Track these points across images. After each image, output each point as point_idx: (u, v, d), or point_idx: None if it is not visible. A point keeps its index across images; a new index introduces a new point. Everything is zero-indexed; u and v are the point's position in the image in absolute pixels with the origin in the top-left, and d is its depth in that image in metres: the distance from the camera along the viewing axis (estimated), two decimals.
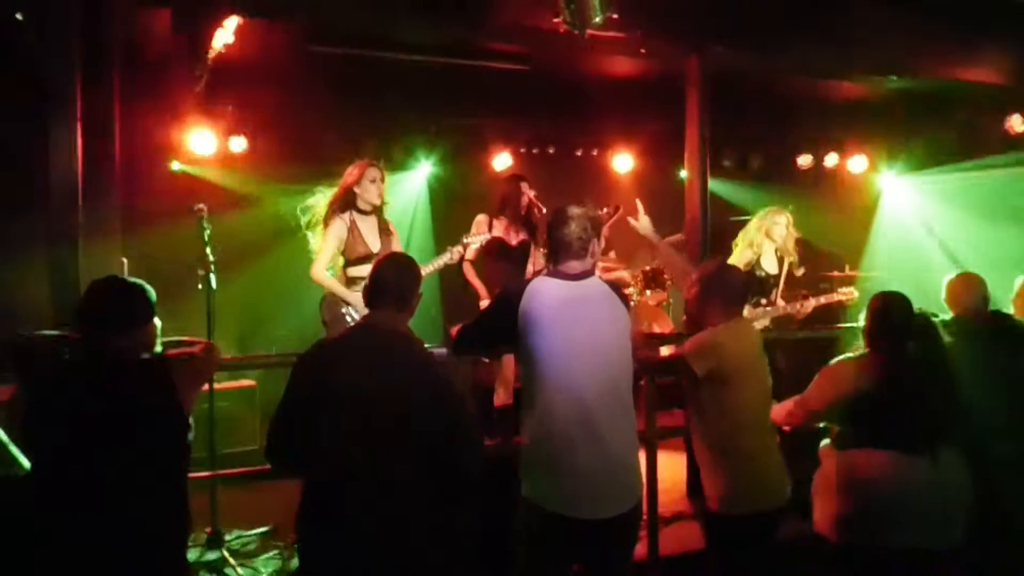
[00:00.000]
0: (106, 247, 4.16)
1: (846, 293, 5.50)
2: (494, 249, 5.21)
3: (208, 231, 4.26)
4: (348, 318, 4.58)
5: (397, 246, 4.84)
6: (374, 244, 4.70)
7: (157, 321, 2.72)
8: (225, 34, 4.83)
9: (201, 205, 4.28)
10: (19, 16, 3.99)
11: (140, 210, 5.69)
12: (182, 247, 5.23)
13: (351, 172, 4.74)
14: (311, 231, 4.70)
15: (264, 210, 6.30)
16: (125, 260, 4.32)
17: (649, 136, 8.13)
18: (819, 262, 6.63)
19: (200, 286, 4.23)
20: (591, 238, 2.92)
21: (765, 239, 5.32)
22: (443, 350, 3.37)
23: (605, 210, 5.05)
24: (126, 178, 4.54)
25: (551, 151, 7.96)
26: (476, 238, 5.08)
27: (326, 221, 4.67)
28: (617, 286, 3.02)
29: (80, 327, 2.63)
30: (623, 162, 8.33)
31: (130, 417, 2.50)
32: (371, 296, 2.76)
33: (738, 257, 5.31)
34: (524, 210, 5.40)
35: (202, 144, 6.46)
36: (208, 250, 4.22)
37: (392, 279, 2.75)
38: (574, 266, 2.91)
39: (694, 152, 5.45)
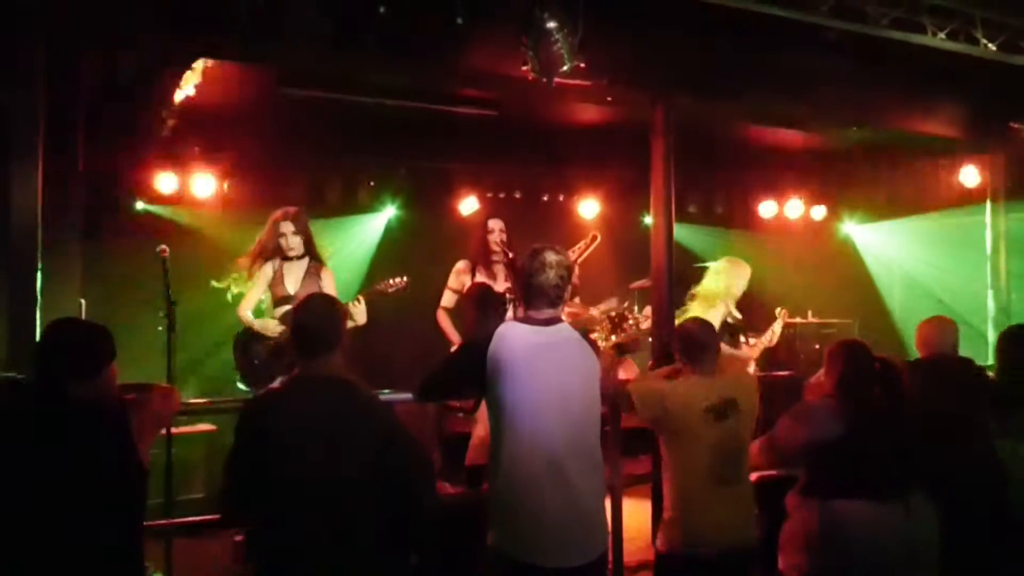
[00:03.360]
0: (65, 288, 4.08)
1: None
2: (477, 295, 5.10)
3: (169, 272, 4.24)
4: (256, 360, 4.88)
5: (330, 289, 4.97)
6: (293, 287, 4.96)
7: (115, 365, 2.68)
8: (193, 76, 4.84)
9: (163, 246, 4.24)
10: None
11: (102, 251, 5.64)
12: (143, 288, 5.18)
13: (270, 220, 5.05)
14: (240, 286, 5.06)
15: (228, 251, 6.25)
16: (83, 301, 4.24)
17: (615, 182, 8.19)
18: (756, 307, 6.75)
19: (160, 328, 4.20)
20: (566, 286, 2.93)
21: (729, 294, 5.47)
22: (406, 395, 3.34)
23: (581, 243, 5.12)
24: (89, 219, 4.49)
25: (517, 196, 8.02)
26: (390, 285, 4.96)
27: (250, 273, 5.03)
28: (585, 332, 3.02)
29: (37, 370, 2.57)
30: (589, 208, 8.38)
31: (85, 464, 2.45)
32: (298, 347, 2.74)
33: (712, 315, 5.31)
34: (499, 252, 5.33)
35: (167, 186, 6.59)
36: (169, 292, 4.18)
37: (312, 325, 2.73)
38: (545, 312, 2.91)
39: (659, 198, 5.41)
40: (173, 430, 4.34)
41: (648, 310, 6.24)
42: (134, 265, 5.55)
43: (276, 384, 3.82)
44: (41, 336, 2.66)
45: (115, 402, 2.60)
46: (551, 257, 2.91)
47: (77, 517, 2.41)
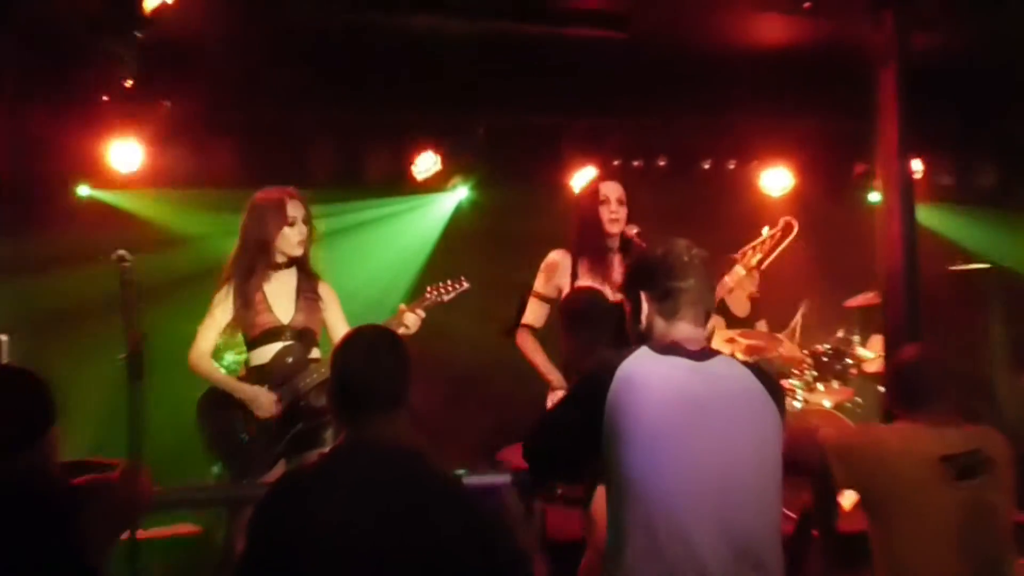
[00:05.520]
0: None
1: None
2: (577, 307, 5.11)
3: (134, 290, 4.27)
4: (243, 434, 4.80)
5: (338, 315, 5.09)
6: (286, 312, 4.95)
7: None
8: None
9: (122, 252, 4.27)
10: None
11: (30, 258, 5.79)
12: (93, 316, 5.25)
13: (256, 207, 5.00)
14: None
15: (208, 255, 6.35)
16: (4, 337, 4.34)
17: (816, 140, 8.14)
18: None
19: (120, 376, 4.11)
20: (712, 294, 3.00)
21: None
22: (491, 478, 3.34)
23: (767, 232, 4.97)
24: (9, 210, 4.60)
25: (661, 163, 8.02)
26: (449, 292, 5.06)
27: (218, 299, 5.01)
28: (765, 370, 3.04)
29: None
30: (775, 180, 8.33)
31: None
32: (342, 404, 2.85)
33: None
34: (616, 239, 5.21)
35: (126, 159, 6.62)
36: (134, 321, 4.22)
37: (366, 370, 2.82)
38: (692, 336, 2.94)
39: (891, 164, 5.39)
40: (141, 532, 4.20)
41: (876, 342, 6.10)
42: (78, 281, 5.64)
43: (313, 458, 3.83)
44: None
45: (57, 488, 2.64)
46: (686, 249, 2.99)
47: None
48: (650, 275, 2.99)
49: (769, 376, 2.98)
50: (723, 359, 2.94)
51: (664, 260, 2.98)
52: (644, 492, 2.76)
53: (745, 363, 3.00)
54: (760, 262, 5.01)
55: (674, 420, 2.78)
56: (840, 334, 6.92)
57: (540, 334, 5.29)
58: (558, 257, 5.27)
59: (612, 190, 5.19)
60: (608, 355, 2.93)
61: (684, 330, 2.93)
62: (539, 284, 5.31)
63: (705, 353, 2.91)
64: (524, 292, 5.26)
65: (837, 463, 3.45)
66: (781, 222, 5.10)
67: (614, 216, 5.11)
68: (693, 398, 2.81)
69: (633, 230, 5.14)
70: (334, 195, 5.73)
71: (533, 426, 3.10)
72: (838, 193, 8.25)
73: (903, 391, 3.70)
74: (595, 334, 4.85)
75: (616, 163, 7.91)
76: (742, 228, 7.47)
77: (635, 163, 7.93)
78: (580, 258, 5.23)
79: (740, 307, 4.98)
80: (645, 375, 2.83)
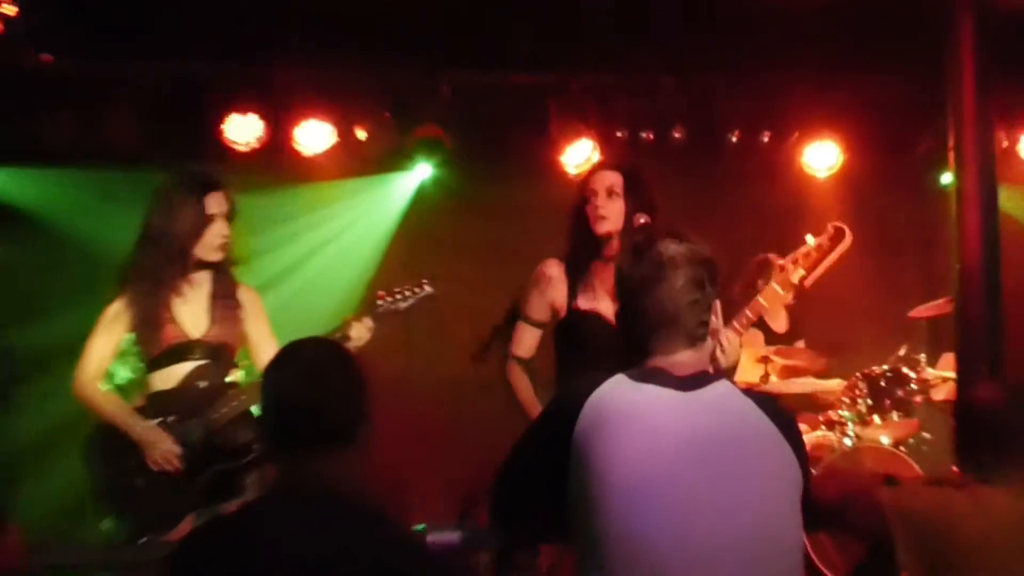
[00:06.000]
0: None
1: None
2: (572, 339, 5.17)
3: None
4: (140, 480, 4.80)
5: (261, 330, 5.15)
6: (195, 325, 4.99)
7: None
8: None
9: None
10: None
11: None
12: None
13: (165, 197, 5.01)
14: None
15: (98, 250, 6.42)
16: None
17: (870, 108, 8.02)
18: None
19: None
20: (711, 303, 2.93)
21: None
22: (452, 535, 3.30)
23: (812, 242, 4.87)
24: None
25: (676, 134, 7.89)
26: (407, 297, 5.10)
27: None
28: (776, 402, 2.99)
29: None
30: (820, 156, 8.23)
31: None
32: (276, 438, 2.84)
33: None
34: (611, 242, 5.20)
35: None
36: None
37: (308, 395, 2.80)
38: (683, 358, 2.89)
39: (967, 137, 5.34)
40: None
41: (948, 361, 6.06)
42: None
43: (231, 511, 3.82)
44: None
45: None
46: (673, 249, 2.92)
47: None
48: (621, 284, 3.02)
49: (781, 409, 2.94)
50: (720, 387, 2.89)
51: (638, 265, 2.96)
52: (619, 560, 2.71)
53: (750, 392, 2.95)
54: (803, 279, 4.88)
55: (657, 467, 2.73)
56: (902, 352, 6.89)
57: (531, 368, 5.34)
58: (552, 269, 5.30)
59: (602, 180, 5.21)
60: (577, 383, 2.91)
61: (669, 350, 2.91)
62: (528, 304, 5.33)
63: (697, 379, 2.86)
64: (510, 311, 5.23)
65: (905, 530, 3.42)
66: (830, 228, 4.94)
67: (602, 213, 5.12)
68: (682, 438, 2.76)
69: (642, 219, 5.09)
70: (258, 177, 5.56)
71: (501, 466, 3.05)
72: (899, 173, 8.18)
73: (979, 441, 3.64)
74: (592, 367, 4.79)
75: (620, 135, 7.81)
76: (779, 218, 7.50)
77: (644, 135, 7.79)
78: (577, 271, 5.29)
79: (778, 322, 4.92)
80: (619, 409, 2.80)
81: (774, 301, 4.78)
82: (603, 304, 5.16)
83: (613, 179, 5.16)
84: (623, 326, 3.03)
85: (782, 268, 4.84)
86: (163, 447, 4.73)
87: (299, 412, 2.75)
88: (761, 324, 4.89)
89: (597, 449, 2.73)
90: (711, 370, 2.96)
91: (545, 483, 2.80)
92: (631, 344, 2.95)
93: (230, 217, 5.01)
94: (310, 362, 2.85)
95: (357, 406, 2.81)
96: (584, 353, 5.04)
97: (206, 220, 4.94)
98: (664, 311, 2.87)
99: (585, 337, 5.05)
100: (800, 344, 7.04)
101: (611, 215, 5.08)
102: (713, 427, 2.79)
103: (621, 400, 2.80)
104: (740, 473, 2.77)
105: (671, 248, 2.91)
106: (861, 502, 3.46)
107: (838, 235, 4.88)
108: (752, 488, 2.77)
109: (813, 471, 3.22)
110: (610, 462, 2.71)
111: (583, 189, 5.26)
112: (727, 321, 4.40)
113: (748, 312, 4.69)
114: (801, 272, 4.87)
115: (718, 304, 2.94)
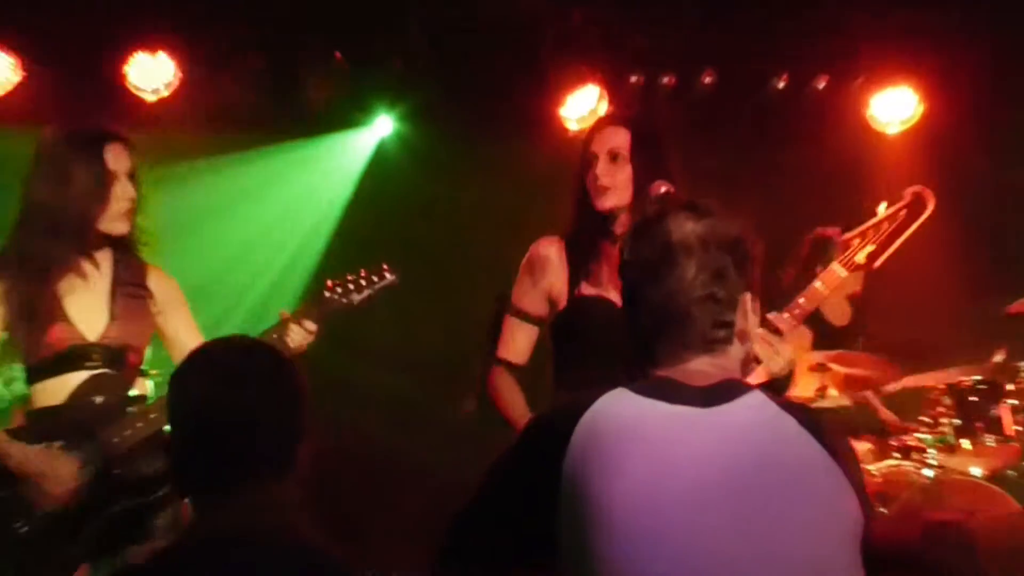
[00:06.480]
0: None
1: None
2: (571, 330, 5.23)
3: None
4: (21, 523, 4.82)
5: (180, 324, 5.22)
6: (91, 323, 5.00)
7: None
8: None
9: None
10: None
11: None
12: None
13: (49, 155, 5.04)
14: None
15: None
16: None
17: (954, 49, 8.04)
18: None
19: None
20: (736, 297, 2.91)
21: None
22: None
23: (884, 210, 4.83)
24: None
25: (707, 81, 8.10)
26: (363, 288, 5.13)
27: None
28: (821, 417, 2.93)
29: None
30: (891, 108, 8.36)
31: None
32: (192, 466, 2.95)
33: None
34: (619, 217, 5.21)
35: None
36: None
37: (229, 410, 2.89)
38: (698, 366, 2.90)
39: None
40: None
41: None
42: None
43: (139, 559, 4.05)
44: None
45: None
46: (687, 228, 2.92)
47: None
48: (621, 273, 3.05)
49: (827, 428, 2.87)
50: (751, 400, 2.86)
51: (638, 248, 2.98)
52: None
53: (789, 405, 2.89)
54: (873, 256, 4.87)
55: (669, 507, 2.75)
56: (998, 358, 6.83)
57: (524, 375, 5.31)
58: (548, 250, 5.34)
59: (604, 140, 5.24)
60: (571, 397, 2.92)
61: (678, 357, 2.94)
62: (520, 293, 5.39)
63: (720, 391, 2.85)
64: (496, 304, 5.19)
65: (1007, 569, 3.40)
66: (907, 194, 4.87)
67: (603, 183, 5.15)
68: (701, 467, 2.79)
69: (662, 188, 5.06)
70: (181, 137, 5.55)
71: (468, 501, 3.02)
72: (990, 131, 8.08)
73: None
74: (601, 370, 4.74)
75: (634, 79, 8.00)
76: (838, 185, 7.50)
77: (665, 79, 7.94)
78: (579, 253, 5.37)
79: (837, 313, 4.91)
80: (621, 431, 2.82)
81: (835, 287, 4.75)
82: (613, 294, 5.14)
83: (618, 138, 5.19)
84: (627, 326, 3.03)
85: (846, 245, 4.79)
86: (59, 474, 4.69)
87: (217, 435, 2.76)
88: (812, 320, 4.90)
89: (593, 485, 2.75)
90: (739, 377, 2.94)
91: (522, 530, 2.82)
92: (635, 348, 3.00)
93: (133, 176, 4.92)
94: (229, 369, 2.91)
95: (290, 427, 2.85)
96: (590, 351, 5.09)
97: (109, 178, 4.87)
98: (671, 308, 2.90)
99: (591, 329, 5.07)
100: (858, 345, 7.06)
101: (615, 185, 5.12)
102: (741, 453, 2.81)
103: (623, 420, 2.82)
104: (777, 512, 2.78)
105: (684, 226, 2.89)
106: (947, 540, 3.52)
107: (918, 203, 4.83)
108: (793, 531, 2.78)
109: (883, 510, 3.23)
110: (610, 502, 2.73)
111: (584, 151, 5.27)
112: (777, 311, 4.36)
113: (802, 301, 4.63)
114: (870, 248, 4.87)
115: (748, 299, 2.91)
